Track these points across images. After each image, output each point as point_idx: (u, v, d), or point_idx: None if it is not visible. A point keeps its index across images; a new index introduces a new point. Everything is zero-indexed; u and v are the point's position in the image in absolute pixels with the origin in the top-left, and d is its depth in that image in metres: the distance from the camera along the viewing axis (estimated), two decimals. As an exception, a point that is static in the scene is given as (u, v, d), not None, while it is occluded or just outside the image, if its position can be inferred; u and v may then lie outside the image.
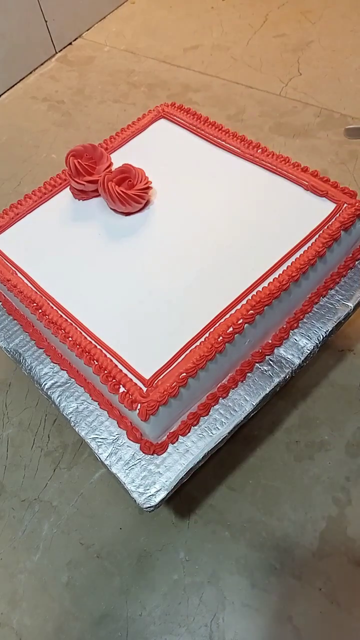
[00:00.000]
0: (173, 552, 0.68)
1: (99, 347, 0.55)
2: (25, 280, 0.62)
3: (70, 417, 0.58)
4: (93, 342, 0.55)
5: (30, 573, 0.68)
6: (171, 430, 0.55)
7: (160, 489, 0.52)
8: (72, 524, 0.71)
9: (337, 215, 0.61)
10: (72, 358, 0.58)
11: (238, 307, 0.56)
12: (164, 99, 1.30)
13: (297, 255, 0.59)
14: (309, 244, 0.60)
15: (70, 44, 1.54)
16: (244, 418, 0.57)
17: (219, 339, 0.53)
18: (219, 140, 0.72)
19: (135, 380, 0.52)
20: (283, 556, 0.66)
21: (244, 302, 0.56)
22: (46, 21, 1.43)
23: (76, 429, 0.57)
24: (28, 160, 1.21)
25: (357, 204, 0.62)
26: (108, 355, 0.54)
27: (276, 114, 1.22)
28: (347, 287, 0.65)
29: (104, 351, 0.54)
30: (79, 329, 0.56)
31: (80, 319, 0.57)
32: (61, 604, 0.66)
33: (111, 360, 0.54)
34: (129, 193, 0.62)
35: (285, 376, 0.59)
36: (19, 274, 0.63)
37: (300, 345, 0.61)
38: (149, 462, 0.54)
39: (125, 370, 0.53)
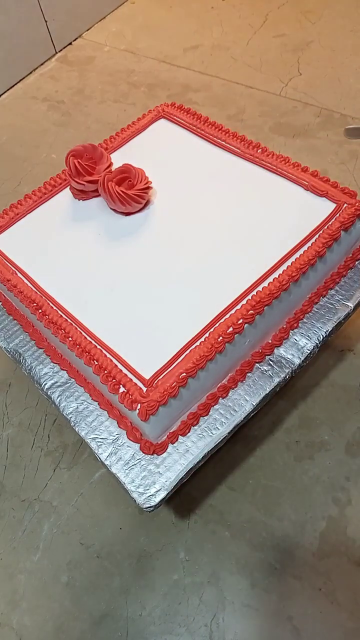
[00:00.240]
0: (173, 552, 0.68)
1: (99, 347, 0.55)
2: (25, 280, 0.62)
3: (70, 417, 0.58)
4: (93, 342, 0.55)
5: (30, 573, 0.68)
6: (171, 430, 0.55)
7: (160, 489, 0.52)
8: (72, 524, 0.71)
9: (337, 215, 0.61)
10: (72, 358, 0.58)
11: (238, 307, 0.56)
12: (164, 99, 1.30)
13: (297, 255, 0.59)
14: (309, 244, 0.60)
15: (70, 44, 1.54)
16: (244, 418, 0.57)
17: (219, 339, 0.53)
18: (219, 140, 0.72)
19: (135, 380, 0.52)
20: (283, 556, 0.66)
21: (244, 302, 0.56)
22: (46, 21, 1.43)
23: (76, 429, 0.57)
24: (28, 160, 1.21)
25: (357, 204, 0.62)
26: (108, 355, 0.54)
27: (276, 114, 1.22)
28: (347, 287, 0.65)
29: (104, 351, 0.54)
30: (78, 329, 0.56)
31: (80, 319, 0.57)
32: (61, 604, 0.66)
33: (111, 360, 0.54)
34: (129, 193, 0.63)
35: (285, 376, 0.59)
36: (19, 274, 0.63)
37: (300, 345, 0.61)
38: (149, 462, 0.54)
39: (125, 370, 0.53)
